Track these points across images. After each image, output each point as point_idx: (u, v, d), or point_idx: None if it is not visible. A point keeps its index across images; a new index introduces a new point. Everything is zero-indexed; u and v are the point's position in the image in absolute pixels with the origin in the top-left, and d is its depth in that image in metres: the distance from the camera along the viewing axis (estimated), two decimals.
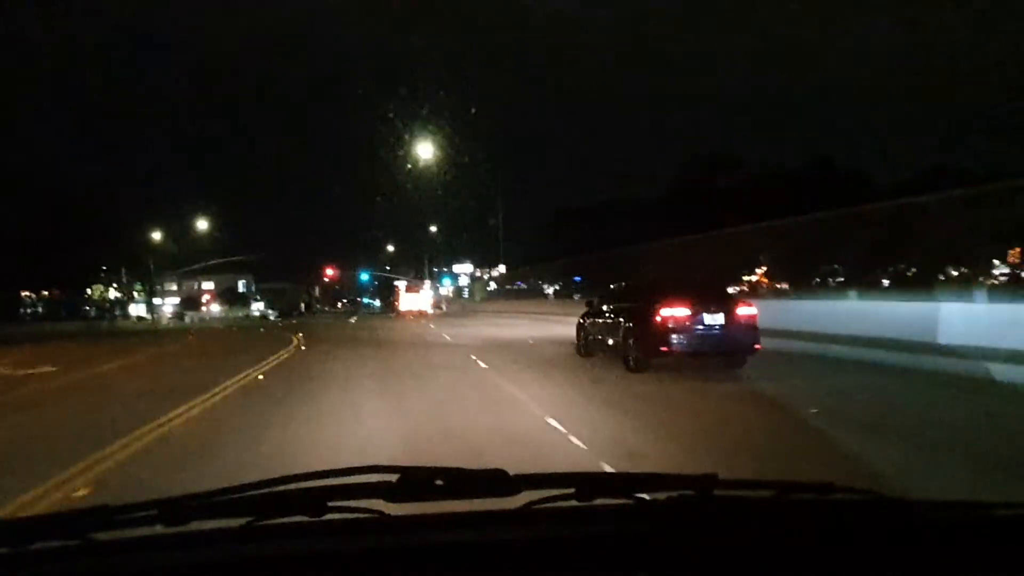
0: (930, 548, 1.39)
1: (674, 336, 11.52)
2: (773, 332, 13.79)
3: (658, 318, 11.69)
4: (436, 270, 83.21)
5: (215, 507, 1.49)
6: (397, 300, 65.14)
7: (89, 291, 79.59)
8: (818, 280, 24.08)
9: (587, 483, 1.57)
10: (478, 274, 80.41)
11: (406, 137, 41.86)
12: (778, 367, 12.13)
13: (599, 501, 1.53)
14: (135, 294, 79.64)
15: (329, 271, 75.69)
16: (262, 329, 38.46)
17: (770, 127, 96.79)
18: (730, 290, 17.97)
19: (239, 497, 1.51)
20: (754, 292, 24.87)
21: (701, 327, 11.72)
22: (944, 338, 11.69)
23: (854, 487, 1.65)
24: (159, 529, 1.41)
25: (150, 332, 44.75)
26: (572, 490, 1.52)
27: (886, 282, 22.51)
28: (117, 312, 73.35)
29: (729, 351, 11.93)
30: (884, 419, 7.91)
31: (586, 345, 15.08)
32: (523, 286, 49.84)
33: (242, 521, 1.45)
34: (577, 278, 38.17)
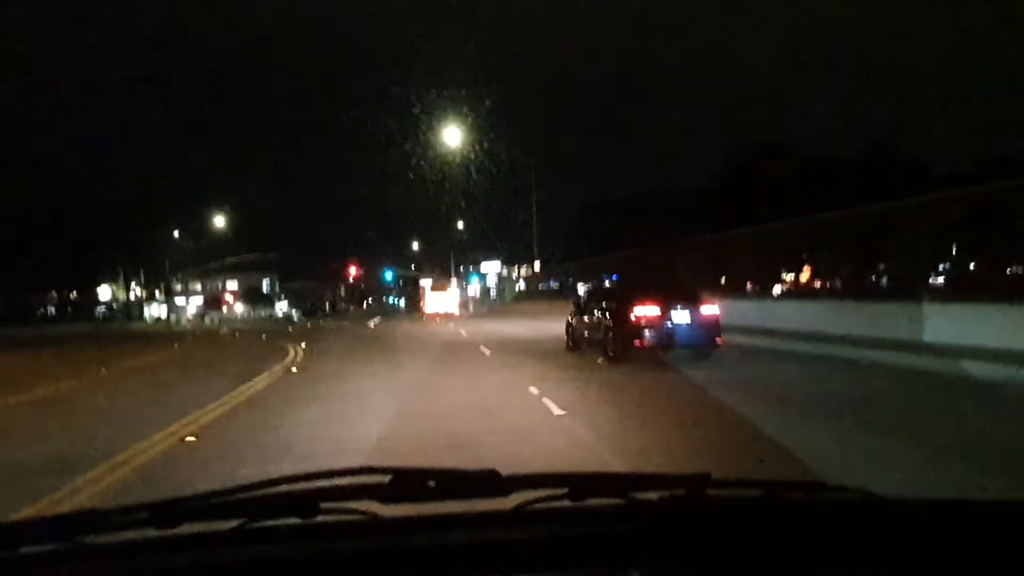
0: (921, 547, 1.39)
1: (646, 331, 13.47)
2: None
3: (632, 316, 13.63)
4: (461, 268, 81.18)
5: (206, 509, 1.51)
6: (422, 300, 63.22)
7: (103, 291, 78.17)
8: (873, 278, 21.86)
9: (580, 483, 1.57)
10: (505, 272, 78.16)
11: (433, 130, 39.60)
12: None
13: (592, 501, 1.54)
14: (157, 294, 78.43)
15: (352, 269, 73.65)
16: (264, 336, 32.35)
17: (815, 114, 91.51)
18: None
19: (230, 499, 1.52)
20: (801, 291, 23.26)
21: (670, 324, 13.61)
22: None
23: (845, 486, 1.67)
24: (150, 532, 1.41)
25: (153, 335, 41.79)
26: (565, 490, 1.53)
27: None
28: (135, 312, 71.56)
29: (695, 345, 13.77)
30: (789, 393, 10.55)
31: (573, 340, 17.09)
32: (555, 285, 47.30)
33: (234, 523, 1.45)
34: (615, 276, 35.53)
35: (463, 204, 57.79)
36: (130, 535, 1.42)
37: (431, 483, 1.51)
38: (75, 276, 64.11)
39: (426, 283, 68.91)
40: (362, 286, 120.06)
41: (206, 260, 59.33)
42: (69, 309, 70.49)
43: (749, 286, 24.36)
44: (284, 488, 1.52)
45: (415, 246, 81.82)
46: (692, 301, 14.16)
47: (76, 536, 1.40)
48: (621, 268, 29.40)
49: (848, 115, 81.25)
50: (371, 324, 43.38)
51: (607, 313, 14.87)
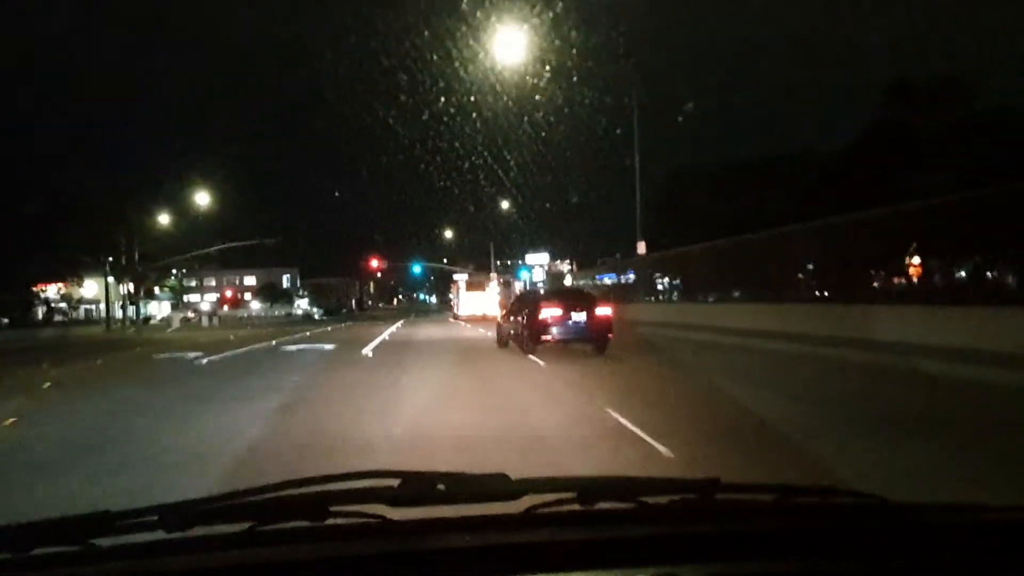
0: (934, 552, 1.40)
1: (551, 329, 16.99)
2: None
3: (539, 316, 17.17)
4: (500, 262, 71.45)
5: (216, 512, 1.53)
6: (456, 299, 54.56)
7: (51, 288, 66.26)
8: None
9: (589, 487, 1.59)
10: (557, 266, 68.79)
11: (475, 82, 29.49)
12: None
13: (601, 505, 1.55)
14: (157, 290, 69.97)
15: (374, 262, 64.14)
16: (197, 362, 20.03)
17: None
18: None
19: (240, 502, 1.54)
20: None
21: (569, 323, 17.06)
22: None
23: (857, 490, 1.67)
24: (160, 534, 1.44)
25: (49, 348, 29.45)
26: (574, 494, 1.55)
27: None
28: (115, 313, 60.36)
29: (590, 340, 17.30)
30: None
31: (501, 339, 21.04)
32: (631, 278, 37.83)
33: (244, 526, 1.46)
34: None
35: (509, 181, 48.25)
36: (141, 537, 1.45)
37: (440, 486, 1.53)
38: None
39: (461, 279, 60.01)
40: (392, 282, 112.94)
41: (189, 248, 49.51)
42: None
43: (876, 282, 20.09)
44: (294, 491, 1.54)
45: (448, 234, 71.30)
46: (589, 305, 17.80)
47: (87, 538, 1.43)
48: (710, 263, 25.97)
49: None
50: (392, 329, 35.80)
51: (524, 315, 18.30)
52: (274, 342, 26.36)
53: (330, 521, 1.47)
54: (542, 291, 25.83)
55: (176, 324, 59.32)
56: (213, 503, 1.55)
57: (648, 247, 31.45)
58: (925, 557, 1.38)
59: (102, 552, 1.41)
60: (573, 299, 18.26)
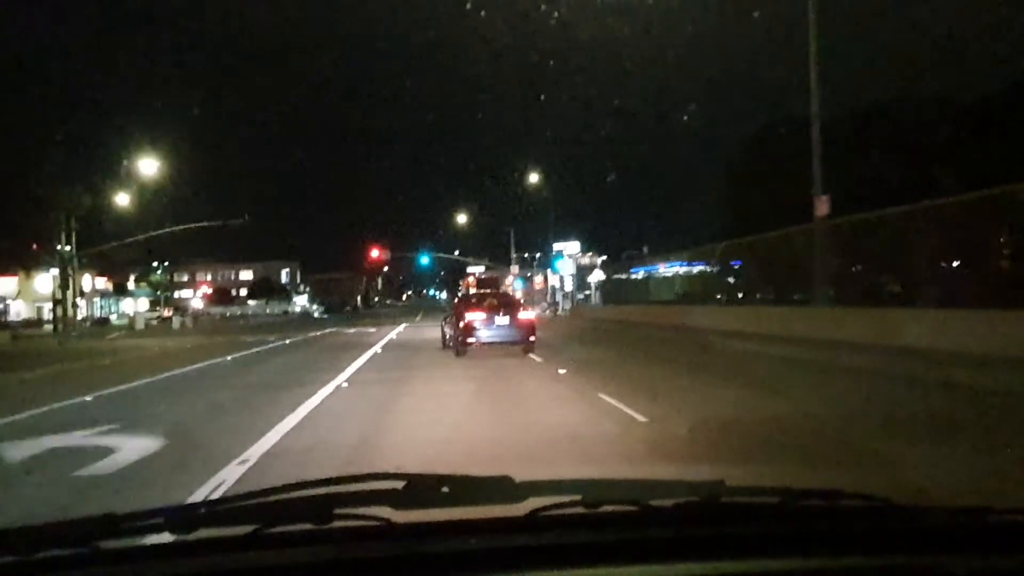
0: (939, 555, 1.41)
1: (476, 332, 17.79)
2: None
3: (464, 320, 18.02)
4: (515, 255, 61.35)
5: (221, 515, 1.56)
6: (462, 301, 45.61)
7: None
8: None
9: (593, 490, 1.61)
10: (588, 259, 58.91)
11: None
12: None
13: (606, 508, 1.56)
14: (132, 286, 60.96)
15: (375, 252, 54.29)
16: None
17: None
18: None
19: (245, 505, 1.55)
20: None
21: (493, 326, 17.96)
22: None
23: (863, 494, 1.65)
24: (166, 537, 1.45)
25: None
26: (579, 497, 1.56)
27: None
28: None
29: (514, 342, 18.07)
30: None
31: (443, 340, 21.39)
32: (708, 270, 28.35)
33: (248, 529, 1.46)
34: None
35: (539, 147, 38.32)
36: (146, 540, 1.48)
37: (444, 489, 1.54)
38: None
39: (477, 270, 50.88)
40: (401, 277, 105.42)
41: (140, 230, 39.92)
42: None
43: None
44: (299, 494, 1.56)
45: (461, 219, 60.27)
46: (513, 309, 19.05)
47: (93, 540, 1.43)
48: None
49: None
50: (392, 335, 29.94)
51: (455, 318, 19.17)
52: (230, 358, 20.80)
53: (335, 524, 1.48)
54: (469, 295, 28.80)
55: (140, 326, 50.28)
56: (218, 506, 1.60)
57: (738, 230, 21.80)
58: (931, 560, 1.39)
59: (108, 554, 1.42)
60: (498, 303, 19.36)
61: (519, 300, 23.76)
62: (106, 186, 41.45)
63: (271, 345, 26.49)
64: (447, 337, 20.55)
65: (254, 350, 24.86)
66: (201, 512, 1.53)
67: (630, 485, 1.98)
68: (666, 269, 29.35)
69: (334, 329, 39.00)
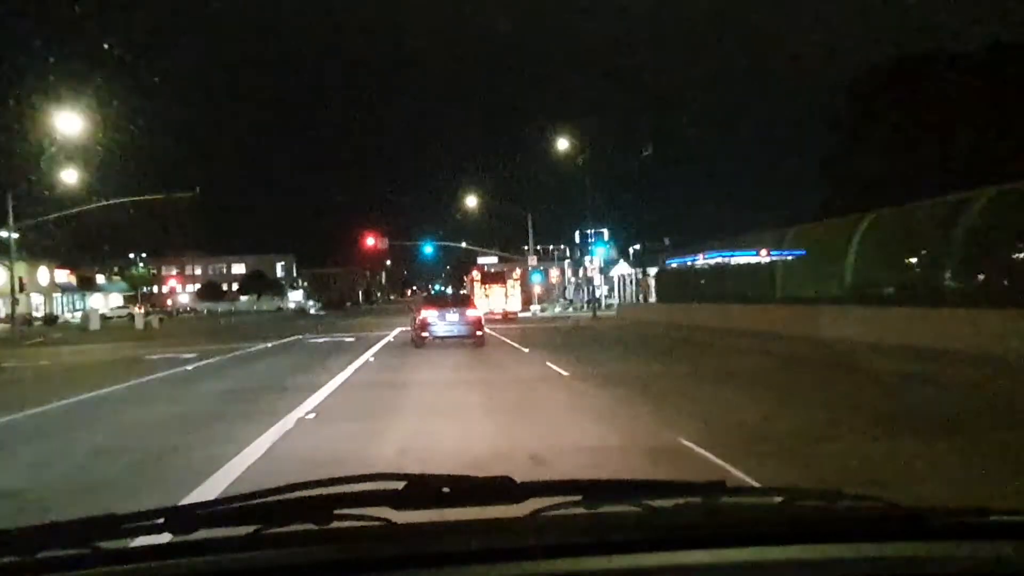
0: (940, 556, 1.39)
1: (430, 327, 19.98)
2: None
3: (420, 317, 20.44)
4: (535, 247, 54.08)
5: (222, 515, 1.53)
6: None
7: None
8: None
9: (594, 490, 1.61)
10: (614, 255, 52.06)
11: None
12: None
13: (606, 508, 1.56)
14: (102, 279, 54.32)
15: (370, 240, 47.25)
16: None
17: None
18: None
19: (245, 505, 1.54)
20: None
21: (444, 322, 20.13)
22: None
23: (863, 495, 1.66)
24: (166, 537, 1.44)
25: None
26: (579, 497, 1.55)
27: None
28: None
29: (464, 337, 20.12)
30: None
31: (412, 338, 23.10)
32: (760, 258, 22.01)
33: (249, 529, 1.46)
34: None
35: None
36: (146, 540, 1.46)
37: (445, 489, 1.53)
38: None
39: (488, 263, 44.82)
40: (405, 272, 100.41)
41: (56, 207, 33.36)
42: None
43: None
44: (299, 494, 1.54)
45: (470, 202, 52.22)
46: (464, 306, 21.27)
47: (93, 541, 1.43)
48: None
49: None
50: (390, 338, 25.57)
51: (415, 314, 21.49)
52: (104, 391, 12.91)
53: (335, 524, 1.48)
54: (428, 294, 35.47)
55: (95, 325, 43.54)
56: (218, 506, 1.57)
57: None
58: (932, 562, 1.38)
59: (108, 555, 1.41)
60: (451, 301, 22.62)
61: (471, 298, 26.40)
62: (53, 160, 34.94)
63: (200, 363, 18.15)
64: (413, 333, 22.53)
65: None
66: (201, 512, 1.51)
67: (630, 485, 1.91)
68: (762, 257, 22.22)
69: (317, 340, 27.39)
